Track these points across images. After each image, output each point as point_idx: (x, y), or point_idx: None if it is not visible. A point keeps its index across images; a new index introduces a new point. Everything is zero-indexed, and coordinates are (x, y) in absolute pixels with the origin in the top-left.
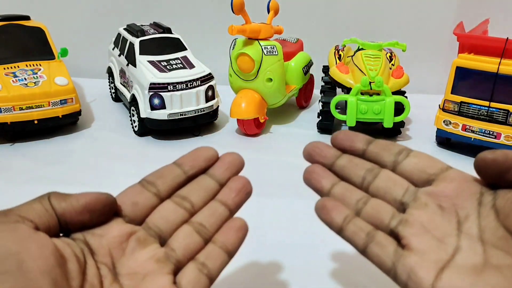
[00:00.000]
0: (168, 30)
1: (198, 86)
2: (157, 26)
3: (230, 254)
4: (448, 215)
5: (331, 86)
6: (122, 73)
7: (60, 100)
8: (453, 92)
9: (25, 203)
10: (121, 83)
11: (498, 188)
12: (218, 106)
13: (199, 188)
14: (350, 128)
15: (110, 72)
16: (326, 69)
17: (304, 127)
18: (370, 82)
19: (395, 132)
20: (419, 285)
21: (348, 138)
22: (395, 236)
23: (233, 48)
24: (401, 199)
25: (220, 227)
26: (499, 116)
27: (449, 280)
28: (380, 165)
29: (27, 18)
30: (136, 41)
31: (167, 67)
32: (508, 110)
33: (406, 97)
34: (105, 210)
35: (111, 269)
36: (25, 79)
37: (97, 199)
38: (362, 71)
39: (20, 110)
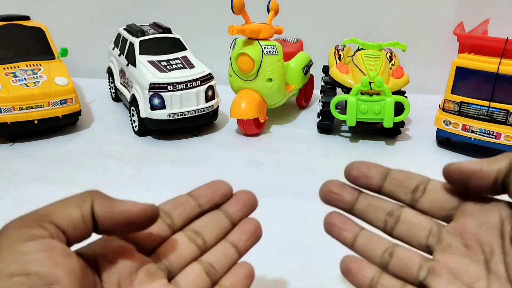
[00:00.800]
0: (168, 30)
1: (198, 86)
2: (157, 26)
3: None
4: (475, 254)
5: (331, 86)
6: (122, 73)
7: (60, 100)
8: (453, 92)
9: (61, 203)
10: (121, 83)
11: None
12: (218, 106)
13: (212, 225)
14: (350, 128)
15: (110, 72)
16: (326, 69)
17: (304, 127)
18: (370, 82)
19: (395, 132)
20: None
21: (362, 174)
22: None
23: (233, 48)
24: (426, 243)
25: (229, 269)
26: (499, 116)
27: None
28: (399, 201)
29: (27, 18)
30: (136, 41)
31: (167, 67)
32: (508, 110)
33: (406, 97)
34: (148, 224)
35: None
36: (25, 79)
37: (144, 213)
38: (362, 71)
39: (20, 110)
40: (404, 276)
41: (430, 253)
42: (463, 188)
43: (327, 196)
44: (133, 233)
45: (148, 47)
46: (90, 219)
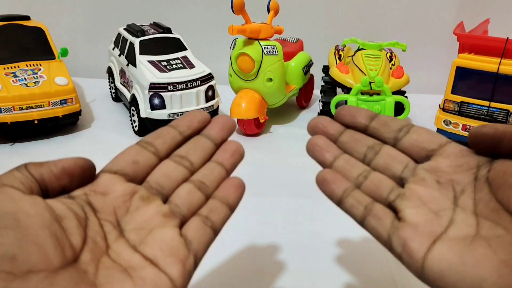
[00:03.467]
0: (168, 30)
1: (198, 86)
2: (157, 26)
3: (232, 208)
4: (445, 190)
5: (331, 86)
6: (122, 73)
7: (60, 100)
8: (453, 92)
9: (3, 173)
10: (121, 83)
11: (494, 160)
12: (218, 106)
13: (196, 147)
14: None
15: (110, 72)
16: (326, 69)
17: (304, 127)
18: (370, 82)
19: None
20: (411, 256)
21: (350, 114)
22: (392, 209)
23: (233, 48)
24: (400, 175)
25: (219, 184)
26: (499, 116)
27: (440, 252)
28: (381, 141)
29: (27, 18)
30: (136, 41)
31: (167, 67)
32: (508, 110)
33: (406, 97)
34: (85, 175)
35: (115, 226)
36: (25, 79)
37: (75, 164)
38: (362, 71)
39: (20, 110)
40: (374, 196)
41: (402, 186)
42: (491, 149)
43: (314, 127)
44: (75, 186)
45: (148, 47)
46: (31, 177)
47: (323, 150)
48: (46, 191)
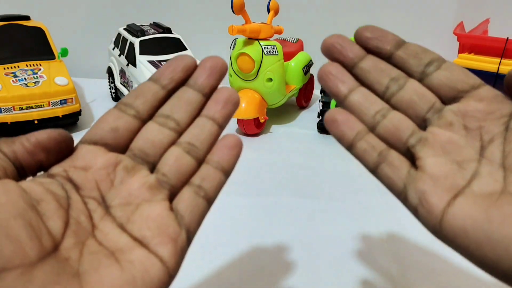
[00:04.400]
0: (168, 30)
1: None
2: (157, 26)
3: (227, 173)
4: (472, 138)
5: None
6: (122, 73)
7: (60, 100)
8: None
9: None
10: (121, 83)
11: None
12: None
13: (182, 103)
14: None
15: (110, 72)
16: None
17: (304, 127)
18: None
19: None
20: (429, 211)
21: (375, 36)
22: (411, 155)
23: (233, 48)
24: (424, 115)
25: (212, 144)
26: None
27: (462, 207)
28: (407, 74)
29: (27, 18)
30: (136, 41)
31: None
32: None
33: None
34: (62, 147)
35: (100, 203)
36: (25, 79)
37: (49, 136)
38: None
39: (20, 110)
40: (392, 140)
41: (425, 128)
42: None
43: (331, 47)
44: (53, 161)
45: (148, 47)
46: (3, 155)
47: (338, 80)
48: (21, 169)
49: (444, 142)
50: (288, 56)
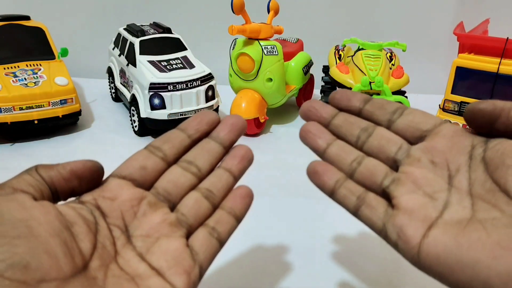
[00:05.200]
0: (168, 30)
1: (198, 86)
2: (157, 26)
3: (238, 219)
4: (440, 170)
5: (331, 86)
6: (122, 73)
7: (60, 100)
8: (453, 92)
9: (14, 177)
10: (121, 83)
11: (489, 139)
12: (218, 106)
13: (204, 152)
14: None
15: (110, 72)
16: (326, 69)
17: None
18: (370, 82)
19: None
20: (407, 243)
21: (345, 97)
22: (386, 196)
23: (233, 48)
24: (394, 157)
25: (227, 193)
26: None
27: (435, 237)
28: (376, 124)
29: (27, 18)
30: (136, 41)
31: (167, 67)
32: None
33: (406, 97)
34: (94, 177)
35: (123, 231)
36: (25, 79)
37: (84, 166)
38: (362, 71)
39: (20, 110)
40: (368, 184)
41: (397, 169)
42: (487, 126)
43: (307, 111)
44: (85, 189)
45: (148, 47)
46: (41, 179)
47: (316, 137)
48: (56, 194)
49: (415, 179)
50: (288, 56)
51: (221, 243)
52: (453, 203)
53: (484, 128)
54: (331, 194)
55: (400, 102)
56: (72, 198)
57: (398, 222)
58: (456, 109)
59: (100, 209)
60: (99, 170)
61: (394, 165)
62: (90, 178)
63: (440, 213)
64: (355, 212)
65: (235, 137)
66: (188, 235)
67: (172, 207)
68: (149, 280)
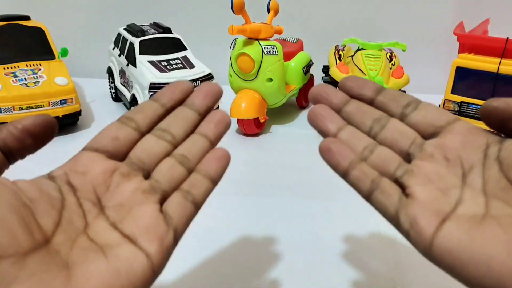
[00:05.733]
0: (168, 30)
1: (198, 86)
2: (157, 26)
3: (214, 181)
4: (453, 167)
5: None
6: (122, 73)
7: (60, 100)
8: (453, 92)
9: None
10: (121, 83)
11: (505, 138)
12: (218, 106)
13: (178, 119)
14: None
15: (110, 72)
16: (326, 69)
17: (304, 127)
18: None
19: None
20: (420, 234)
21: (357, 85)
22: (399, 185)
23: (233, 48)
24: (407, 150)
25: (202, 157)
26: None
27: (449, 231)
28: (388, 115)
29: (27, 18)
30: (136, 41)
31: (167, 67)
32: None
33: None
34: (47, 132)
35: (96, 204)
36: (25, 79)
37: (34, 123)
38: (362, 71)
39: (20, 110)
40: (381, 171)
41: (409, 161)
42: (501, 124)
43: (318, 95)
44: (40, 144)
45: (148, 47)
46: None
47: (327, 120)
48: (11, 154)
49: (428, 173)
50: (288, 56)
51: (197, 206)
52: (466, 200)
53: (497, 126)
54: (344, 174)
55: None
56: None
57: (411, 211)
58: (456, 109)
59: (70, 184)
60: (52, 124)
61: (407, 158)
62: (43, 134)
63: (453, 208)
64: (368, 196)
65: (210, 103)
66: (162, 201)
67: (147, 176)
68: (118, 248)
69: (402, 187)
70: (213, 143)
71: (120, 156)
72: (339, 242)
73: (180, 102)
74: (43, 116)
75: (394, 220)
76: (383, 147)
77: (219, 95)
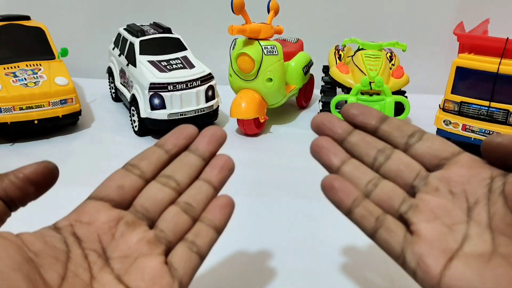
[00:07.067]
0: (168, 30)
1: (198, 86)
2: (157, 26)
3: (218, 231)
4: (459, 201)
5: (331, 86)
6: (122, 73)
7: (60, 100)
8: (453, 92)
9: None
10: (121, 83)
11: (509, 173)
12: (218, 106)
13: (182, 165)
14: None
15: (110, 72)
16: (326, 69)
17: (304, 127)
18: (370, 82)
19: None
20: (427, 273)
21: (361, 113)
22: (404, 221)
23: (233, 48)
24: (412, 183)
25: (207, 204)
26: (499, 116)
27: (457, 269)
28: (392, 146)
29: (27, 18)
30: (136, 41)
31: (167, 67)
32: (508, 110)
33: (406, 97)
34: (48, 179)
35: (101, 255)
36: (25, 79)
37: (36, 170)
38: (362, 71)
39: (20, 110)
40: (385, 207)
41: (413, 195)
42: (504, 160)
43: (321, 125)
44: (42, 191)
45: (148, 47)
46: None
47: (330, 153)
48: (12, 203)
49: (433, 208)
50: (288, 56)
51: (201, 256)
52: (473, 236)
53: (500, 162)
54: (348, 212)
55: (400, 103)
56: (49, 226)
57: (417, 250)
58: (456, 109)
59: (76, 235)
60: (53, 171)
61: (411, 191)
62: (45, 181)
63: (460, 245)
64: (372, 235)
65: (214, 148)
66: (167, 252)
67: (152, 224)
68: None
69: (407, 224)
70: (217, 188)
71: (125, 204)
72: (338, 243)
73: (185, 147)
74: (44, 164)
75: (400, 259)
76: (387, 181)
77: (223, 139)
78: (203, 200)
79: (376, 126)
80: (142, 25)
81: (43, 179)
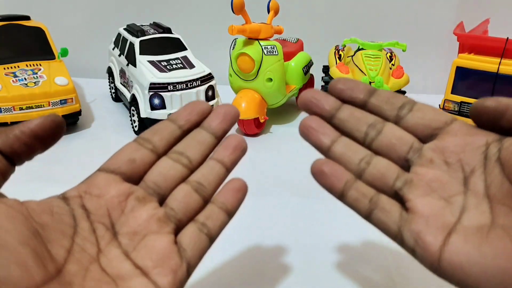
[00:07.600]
0: (168, 30)
1: (198, 86)
2: (157, 26)
3: (230, 214)
4: (454, 172)
5: None
6: (122, 73)
7: (60, 100)
8: (453, 92)
9: None
10: (121, 83)
11: (504, 138)
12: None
13: (195, 143)
14: None
15: (110, 72)
16: (326, 69)
17: None
18: (370, 82)
19: None
20: (426, 250)
21: (348, 87)
22: (399, 198)
23: (233, 48)
24: (405, 156)
25: (218, 185)
26: None
27: (456, 244)
28: (383, 119)
29: (27, 18)
30: (136, 41)
31: (167, 67)
32: None
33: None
34: (56, 132)
35: (109, 229)
36: (25, 79)
37: (43, 125)
38: (362, 71)
39: (20, 110)
40: (379, 185)
41: (408, 168)
42: (493, 124)
43: (308, 102)
44: (47, 145)
45: (148, 47)
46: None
47: (319, 133)
48: (18, 157)
49: (428, 181)
50: (288, 56)
51: (211, 239)
52: (470, 208)
53: (489, 125)
54: (341, 196)
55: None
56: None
57: (415, 227)
58: (456, 109)
59: (84, 207)
60: (60, 124)
61: (405, 165)
62: (52, 135)
63: (458, 218)
64: (368, 216)
65: (227, 126)
66: (177, 231)
67: (162, 200)
68: (131, 281)
69: (402, 201)
70: (229, 169)
71: (136, 178)
72: (338, 242)
73: (197, 123)
74: (50, 117)
75: (397, 238)
76: (380, 158)
77: (236, 117)
78: (215, 181)
79: (365, 100)
80: (142, 25)
81: (50, 133)
